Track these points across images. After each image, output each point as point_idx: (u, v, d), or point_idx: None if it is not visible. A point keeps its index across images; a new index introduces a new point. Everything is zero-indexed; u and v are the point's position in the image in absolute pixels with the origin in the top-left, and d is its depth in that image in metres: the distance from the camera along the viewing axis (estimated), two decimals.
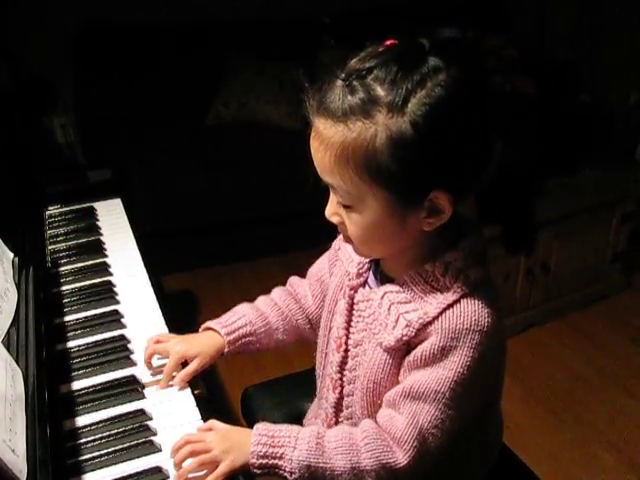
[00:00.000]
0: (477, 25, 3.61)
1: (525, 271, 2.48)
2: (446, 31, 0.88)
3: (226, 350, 1.14)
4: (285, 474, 0.91)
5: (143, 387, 1.10)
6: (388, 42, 0.85)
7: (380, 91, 0.81)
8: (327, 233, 1.05)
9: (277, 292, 1.25)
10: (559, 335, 2.61)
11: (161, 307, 1.32)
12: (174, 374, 1.11)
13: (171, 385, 1.11)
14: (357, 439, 0.92)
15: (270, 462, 0.91)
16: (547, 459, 2.00)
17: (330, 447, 0.91)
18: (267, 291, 1.28)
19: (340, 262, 1.08)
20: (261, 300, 1.23)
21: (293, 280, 1.26)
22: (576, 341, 2.57)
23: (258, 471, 0.92)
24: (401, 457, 0.89)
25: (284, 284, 1.29)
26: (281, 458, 0.91)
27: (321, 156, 0.86)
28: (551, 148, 2.91)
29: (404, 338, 0.92)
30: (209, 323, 1.18)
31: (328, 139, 0.84)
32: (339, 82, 0.84)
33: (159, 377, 1.12)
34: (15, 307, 1.09)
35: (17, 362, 0.98)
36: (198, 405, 1.07)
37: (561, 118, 3.46)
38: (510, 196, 0.93)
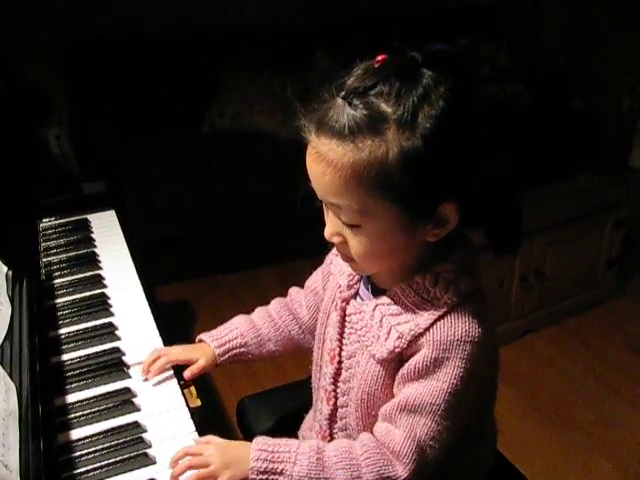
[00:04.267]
0: (470, 34, 3.63)
1: (519, 277, 2.49)
2: (435, 45, 0.88)
3: (218, 361, 1.18)
4: None
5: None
6: (380, 57, 0.85)
7: (386, 107, 0.80)
8: (322, 242, 1.05)
9: (274, 304, 1.27)
10: (554, 341, 2.61)
11: (155, 319, 1.32)
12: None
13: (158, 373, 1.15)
14: (357, 453, 0.92)
15: (270, 478, 0.91)
16: (543, 466, 2.00)
17: (330, 462, 0.91)
18: (263, 300, 1.29)
19: (332, 276, 1.09)
20: (257, 312, 1.26)
21: (292, 291, 1.28)
22: (571, 347, 2.57)
23: None
24: (401, 470, 0.89)
25: (280, 293, 1.30)
26: (281, 474, 0.91)
27: (329, 179, 0.83)
28: (544, 154, 2.93)
29: (396, 350, 0.92)
30: (202, 336, 1.21)
31: (337, 160, 0.82)
32: (339, 101, 0.82)
33: (154, 382, 1.14)
34: (9, 321, 1.09)
35: (11, 376, 0.97)
36: (193, 417, 1.08)
37: (554, 125, 3.48)
38: (494, 196, 0.93)
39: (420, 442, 0.89)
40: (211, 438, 0.99)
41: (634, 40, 3.76)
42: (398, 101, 0.80)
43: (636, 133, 3.89)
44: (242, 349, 1.19)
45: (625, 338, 2.62)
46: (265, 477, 0.91)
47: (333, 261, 1.09)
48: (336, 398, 1.04)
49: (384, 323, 0.94)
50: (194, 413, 1.09)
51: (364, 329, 0.98)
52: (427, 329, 0.89)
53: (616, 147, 3.93)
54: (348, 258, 0.94)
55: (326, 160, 0.83)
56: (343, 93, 0.82)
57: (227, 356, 1.18)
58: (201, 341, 1.21)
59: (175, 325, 2.53)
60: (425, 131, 0.80)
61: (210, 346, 1.18)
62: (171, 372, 1.17)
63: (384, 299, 0.96)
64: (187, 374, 1.15)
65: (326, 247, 1.09)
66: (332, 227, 0.91)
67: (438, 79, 0.81)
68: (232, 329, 1.20)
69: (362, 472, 0.90)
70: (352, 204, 0.84)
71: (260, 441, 0.94)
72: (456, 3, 3.87)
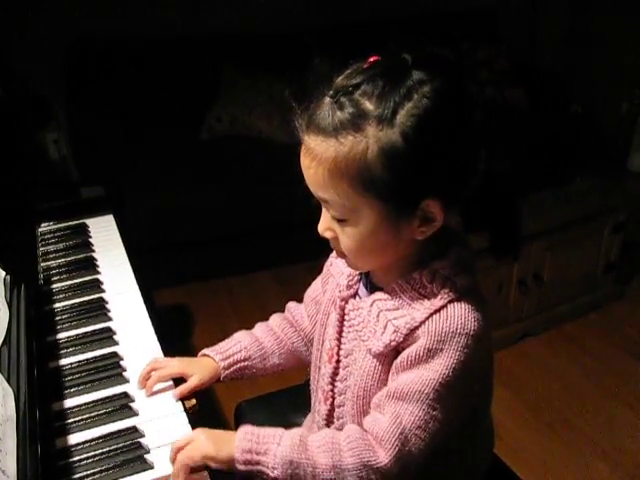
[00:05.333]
0: (469, 38, 3.64)
1: (518, 282, 2.49)
2: (433, 49, 0.90)
3: (222, 376, 1.17)
4: (268, 470, 0.92)
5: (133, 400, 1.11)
6: (372, 59, 0.88)
7: (369, 105, 0.83)
8: (321, 246, 1.06)
9: (274, 318, 1.27)
10: (553, 345, 2.61)
11: (153, 323, 1.32)
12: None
13: (157, 391, 1.14)
14: (340, 439, 0.93)
15: (254, 458, 0.92)
16: (541, 470, 2.00)
17: (313, 445, 0.92)
18: (262, 303, 1.29)
19: (332, 278, 1.09)
20: (258, 327, 1.25)
21: (290, 305, 1.28)
22: (570, 351, 2.58)
23: (242, 467, 0.93)
24: (382, 456, 0.90)
25: (278, 296, 1.30)
26: (265, 454, 0.92)
27: (314, 172, 0.87)
28: (542, 158, 2.93)
29: (392, 343, 0.93)
30: (205, 350, 1.20)
31: (320, 155, 0.85)
32: (327, 99, 0.85)
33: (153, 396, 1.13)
34: (6, 326, 1.09)
35: (8, 381, 0.97)
36: (190, 421, 1.08)
37: (552, 128, 3.49)
38: (494, 200, 0.94)
39: (405, 430, 0.90)
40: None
41: (632, 44, 3.76)
42: (381, 99, 0.82)
43: (634, 137, 3.89)
44: (246, 362, 1.18)
45: (623, 342, 2.62)
46: (249, 457, 0.92)
47: (333, 263, 1.10)
48: (333, 398, 1.05)
49: (381, 318, 0.95)
50: (192, 418, 1.09)
51: (361, 325, 0.99)
52: (423, 322, 0.90)
53: (614, 151, 3.94)
54: (341, 253, 0.96)
55: (312, 154, 0.86)
56: (331, 92, 0.85)
57: (231, 370, 1.17)
58: (204, 355, 1.19)
59: (173, 329, 2.52)
60: (405, 128, 0.82)
61: (214, 360, 1.16)
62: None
63: (382, 295, 0.97)
64: (176, 393, 1.12)
65: (324, 251, 1.09)
66: (324, 222, 0.94)
67: (424, 79, 0.83)
68: (235, 343, 1.19)
69: (343, 456, 0.91)
70: (336, 198, 0.87)
71: (247, 426, 0.96)
72: (455, 7, 3.88)
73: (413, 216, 0.87)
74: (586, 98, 3.86)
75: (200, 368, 1.16)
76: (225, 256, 3.07)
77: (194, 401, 1.13)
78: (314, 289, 1.21)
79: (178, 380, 1.15)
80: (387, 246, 0.92)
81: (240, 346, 1.19)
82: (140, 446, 1.01)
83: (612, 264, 2.78)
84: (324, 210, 0.93)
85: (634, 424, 2.20)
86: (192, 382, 1.14)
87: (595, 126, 3.79)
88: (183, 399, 1.13)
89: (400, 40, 0.88)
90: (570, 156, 3.22)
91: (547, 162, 3.01)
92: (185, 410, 1.10)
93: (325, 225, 0.94)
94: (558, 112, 3.72)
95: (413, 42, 0.89)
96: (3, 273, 1.20)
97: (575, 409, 2.27)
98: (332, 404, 1.06)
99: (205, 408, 1.15)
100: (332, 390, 1.05)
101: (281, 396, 1.47)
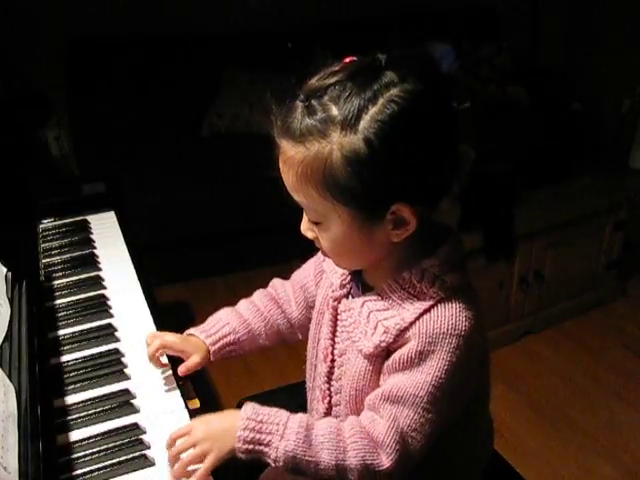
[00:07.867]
0: (470, 35, 3.63)
1: (519, 279, 2.49)
2: (437, 45, 0.89)
3: (212, 358, 1.16)
4: (270, 460, 0.92)
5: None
6: (347, 59, 0.87)
7: (334, 110, 0.82)
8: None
9: (259, 295, 1.25)
10: (554, 343, 2.61)
11: (154, 320, 1.32)
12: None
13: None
14: (345, 436, 0.93)
15: (256, 448, 0.92)
16: (541, 466, 2.00)
17: (317, 441, 0.92)
18: None
19: (325, 274, 1.09)
20: (243, 305, 1.24)
21: (275, 282, 1.26)
22: (571, 349, 2.58)
23: (243, 456, 0.93)
24: (384, 460, 0.90)
25: None
26: (267, 445, 0.92)
27: (286, 175, 0.88)
28: (544, 156, 2.93)
29: (382, 344, 0.93)
30: (192, 330, 1.18)
31: (291, 159, 0.86)
32: (299, 103, 0.85)
33: (154, 384, 1.14)
34: (8, 322, 1.09)
35: (10, 378, 0.97)
36: (192, 418, 1.08)
37: (554, 126, 3.48)
38: (491, 204, 0.94)
39: (403, 433, 0.90)
40: (195, 419, 0.99)
41: (633, 41, 3.76)
42: (345, 104, 0.81)
43: (636, 134, 3.88)
44: (235, 346, 1.17)
45: (625, 339, 2.62)
46: (251, 447, 0.92)
47: (326, 259, 1.10)
48: (330, 397, 1.05)
49: (371, 318, 0.95)
50: (193, 415, 1.09)
51: (353, 325, 0.99)
52: (413, 323, 0.90)
53: (616, 148, 3.93)
54: (324, 253, 0.96)
55: (284, 157, 0.87)
56: (302, 96, 0.85)
57: (221, 353, 1.16)
58: (191, 335, 1.18)
59: (174, 326, 2.52)
60: (368, 134, 0.80)
61: (204, 342, 1.15)
62: (170, 372, 1.17)
63: (372, 295, 0.97)
64: (182, 370, 1.12)
65: None
66: (305, 222, 0.95)
67: (394, 81, 0.81)
68: (223, 324, 1.18)
69: (347, 456, 0.91)
70: (307, 202, 0.88)
71: (249, 409, 0.94)
72: (456, 4, 3.87)
73: (384, 220, 0.87)
74: (587, 95, 3.85)
75: (196, 348, 1.14)
76: (226, 253, 3.07)
77: (197, 403, 1.13)
78: (303, 275, 1.20)
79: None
80: (363, 249, 0.92)
81: (229, 329, 1.17)
82: (141, 443, 1.01)
83: (613, 262, 2.78)
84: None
85: (635, 421, 2.20)
86: (195, 360, 1.13)
87: (596, 123, 3.78)
88: (184, 396, 1.13)
89: (402, 38, 0.88)
90: (571, 153, 3.22)
91: (548, 159, 3.01)
92: (186, 406, 1.10)
93: (306, 225, 0.95)
94: (559, 110, 3.71)
95: (415, 40, 0.88)
96: (5, 269, 1.20)
97: (576, 406, 2.27)
98: (329, 403, 1.06)
99: (207, 405, 1.15)
100: (329, 389, 1.05)
101: (281, 393, 1.47)
